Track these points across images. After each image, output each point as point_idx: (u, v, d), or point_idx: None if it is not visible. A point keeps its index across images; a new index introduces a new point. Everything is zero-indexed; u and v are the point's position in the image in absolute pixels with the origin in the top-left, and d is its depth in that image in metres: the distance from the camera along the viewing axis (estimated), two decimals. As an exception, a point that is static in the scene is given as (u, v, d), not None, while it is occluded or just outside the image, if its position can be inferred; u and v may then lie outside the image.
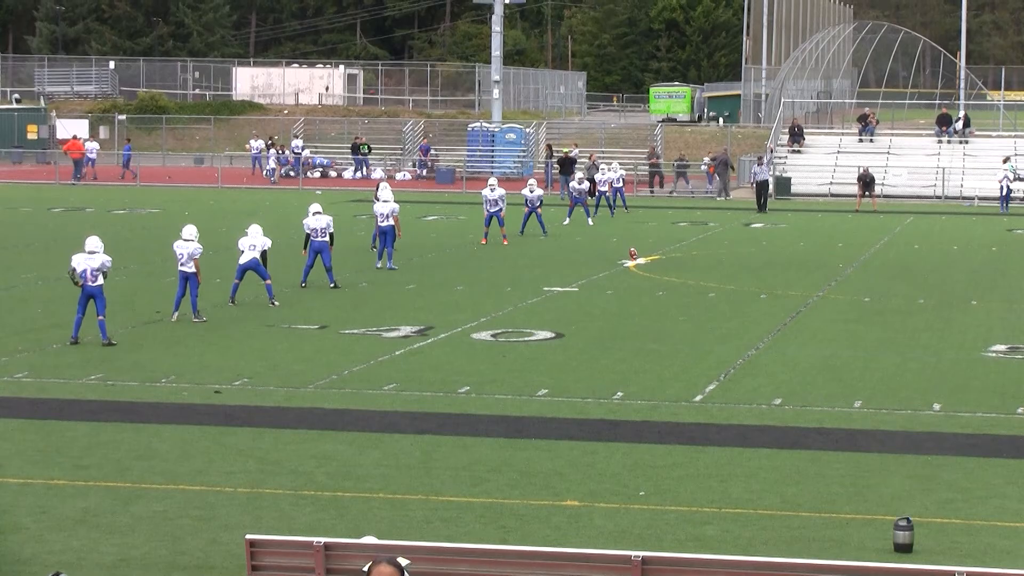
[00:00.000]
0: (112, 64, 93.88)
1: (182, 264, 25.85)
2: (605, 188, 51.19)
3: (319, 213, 30.44)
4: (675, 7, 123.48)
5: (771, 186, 56.45)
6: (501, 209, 39.85)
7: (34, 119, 79.63)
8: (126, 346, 23.63)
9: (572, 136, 73.94)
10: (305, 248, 30.77)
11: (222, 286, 29.13)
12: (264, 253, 27.91)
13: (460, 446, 17.22)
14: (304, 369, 21.84)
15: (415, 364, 22.38)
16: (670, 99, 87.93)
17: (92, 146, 68.03)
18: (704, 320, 27.14)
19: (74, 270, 23.61)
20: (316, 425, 18.26)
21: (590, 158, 58.96)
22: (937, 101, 73.57)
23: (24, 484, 15.42)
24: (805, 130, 66.92)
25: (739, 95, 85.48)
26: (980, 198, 58.55)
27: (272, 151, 68.87)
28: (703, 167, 63.26)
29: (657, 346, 24.18)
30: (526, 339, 24.78)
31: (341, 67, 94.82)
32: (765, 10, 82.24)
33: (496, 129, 70.22)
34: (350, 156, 70.34)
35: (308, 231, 30.45)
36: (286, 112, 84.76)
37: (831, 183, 61.96)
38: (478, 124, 72.25)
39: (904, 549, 13.33)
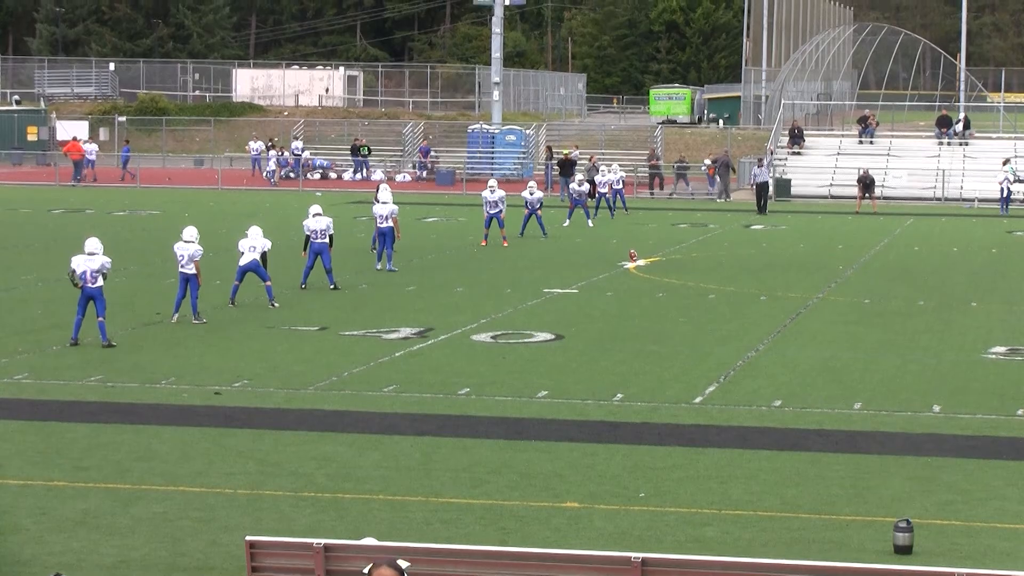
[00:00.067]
0: (112, 66, 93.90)
1: (183, 266, 25.86)
2: (605, 190, 51.20)
3: (319, 215, 30.44)
4: (675, 9, 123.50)
5: (771, 188, 56.47)
6: (501, 211, 39.85)
7: (34, 120, 79.65)
8: (126, 347, 23.63)
9: (572, 138, 73.97)
10: (305, 250, 30.77)
11: (222, 288, 29.14)
12: (264, 254, 27.92)
13: (460, 448, 17.22)
14: (304, 371, 21.84)
15: (415, 366, 22.38)
16: (670, 101, 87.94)
17: (91, 147, 68.02)
18: (704, 322, 27.15)
19: (74, 271, 23.61)
20: (316, 427, 18.26)
21: (590, 160, 58.99)
22: (937, 103, 73.62)
23: (24, 485, 15.42)
24: (805, 132, 66.95)
25: (739, 97, 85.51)
26: (980, 200, 58.56)
27: (272, 153, 68.88)
28: (703, 168, 63.27)
29: (657, 348, 24.18)
30: (526, 341, 24.78)
31: (341, 69, 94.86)
32: (765, 12, 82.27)
33: (496, 131, 70.23)
34: (350, 158, 70.36)
35: (308, 232, 30.45)
36: (286, 114, 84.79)
37: (831, 185, 61.97)
38: (478, 126, 72.26)
39: (904, 551, 13.33)
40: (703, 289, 31.65)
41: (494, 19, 71.10)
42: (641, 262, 36.38)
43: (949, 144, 64.42)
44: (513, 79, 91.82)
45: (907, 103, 76.93)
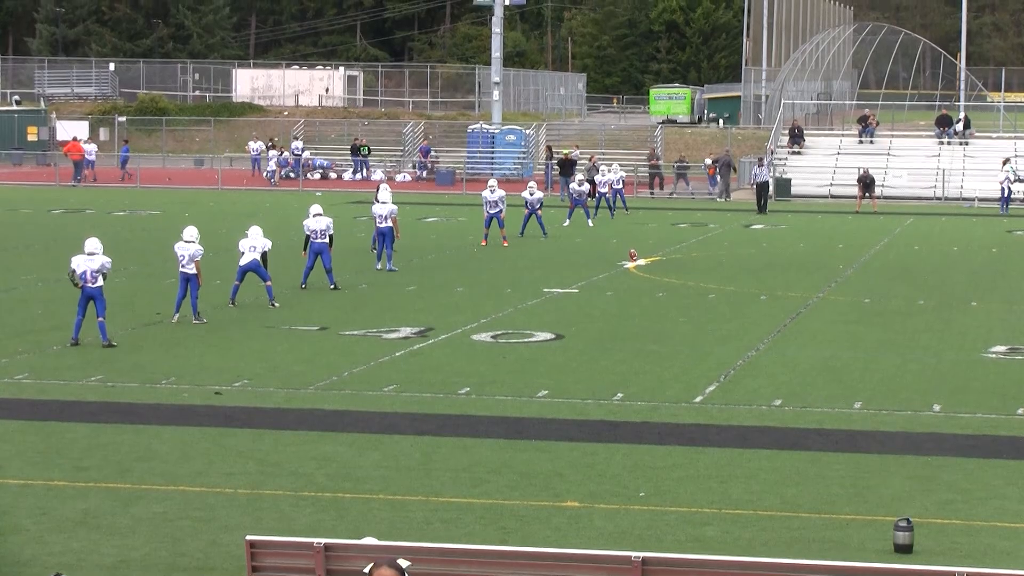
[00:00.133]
0: (112, 66, 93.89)
1: (183, 266, 25.86)
2: (605, 190, 51.20)
3: (319, 215, 30.44)
4: (675, 9, 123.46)
5: (771, 187, 56.46)
6: (501, 210, 39.85)
7: (34, 121, 79.64)
8: (126, 347, 23.63)
9: (572, 138, 73.97)
10: (305, 249, 30.77)
11: (222, 287, 29.14)
12: (264, 254, 27.93)
13: (460, 447, 17.22)
14: (304, 370, 21.84)
15: (415, 365, 22.39)
16: (670, 100, 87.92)
17: (91, 148, 68.02)
18: (704, 321, 27.15)
19: (74, 271, 23.61)
20: (316, 426, 18.27)
21: (590, 160, 58.98)
22: (937, 103, 73.59)
23: (24, 485, 15.42)
24: (805, 131, 66.95)
25: (739, 96, 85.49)
26: (980, 199, 58.56)
27: (272, 153, 68.88)
28: (703, 167, 63.27)
29: (657, 347, 24.18)
30: (526, 340, 24.78)
31: (341, 69, 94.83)
32: (765, 12, 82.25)
33: (496, 131, 70.23)
34: (350, 158, 70.36)
35: (308, 232, 30.46)
36: (286, 114, 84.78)
37: (831, 184, 61.97)
38: (478, 126, 72.26)
39: (904, 550, 13.33)
40: (703, 289, 31.66)
41: (494, 19, 71.10)
42: (641, 262, 36.38)
43: (949, 143, 64.42)
44: (513, 79, 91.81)
45: (907, 103, 76.89)
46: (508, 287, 31.56)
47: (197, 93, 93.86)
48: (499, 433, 17.95)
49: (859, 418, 19.04)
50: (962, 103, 75.63)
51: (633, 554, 10.14)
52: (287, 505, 14.76)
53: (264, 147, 71.37)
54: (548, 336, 25.18)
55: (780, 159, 63.82)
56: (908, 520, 13.53)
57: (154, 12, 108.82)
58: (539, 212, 42.28)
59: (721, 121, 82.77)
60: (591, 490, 15.39)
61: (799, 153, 65.07)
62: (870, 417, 19.09)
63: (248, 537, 10.74)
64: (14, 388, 20.49)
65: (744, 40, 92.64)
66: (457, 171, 67.02)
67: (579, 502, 14.94)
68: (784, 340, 25.17)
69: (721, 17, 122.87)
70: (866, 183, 55.47)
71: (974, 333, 26.11)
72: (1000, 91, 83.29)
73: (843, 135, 67.69)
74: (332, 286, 30.56)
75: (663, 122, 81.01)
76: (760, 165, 56.07)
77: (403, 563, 8.52)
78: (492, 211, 39.91)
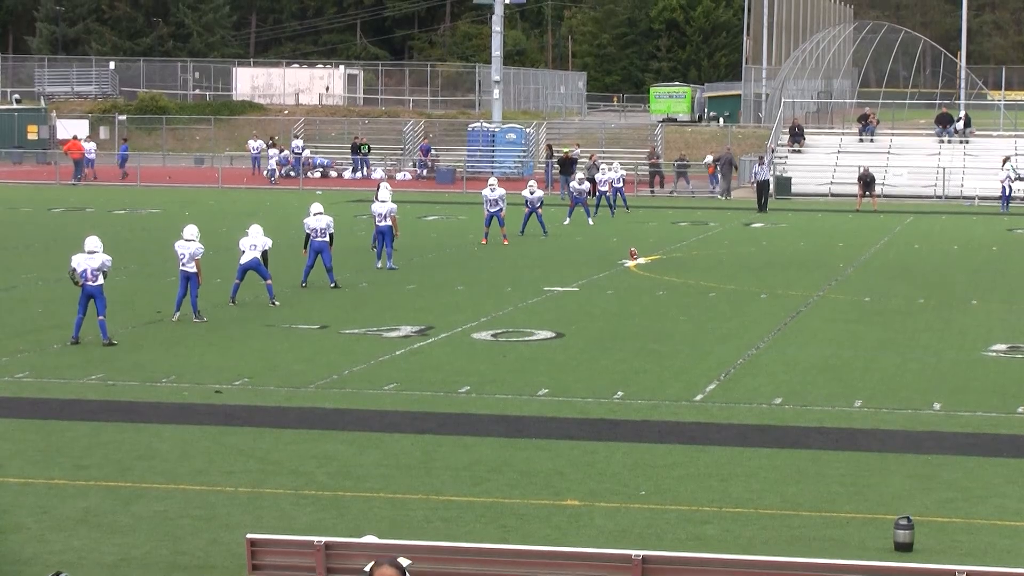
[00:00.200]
0: (112, 64, 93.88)
1: (183, 264, 25.86)
2: (605, 188, 51.20)
3: (320, 213, 30.45)
4: (675, 7, 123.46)
5: (771, 186, 56.46)
6: (501, 209, 39.85)
7: (34, 119, 79.65)
8: (127, 346, 23.64)
9: (572, 136, 73.96)
10: (305, 248, 30.78)
11: (223, 286, 29.14)
12: (265, 253, 27.93)
13: (460, 446, 17.22)
14: (304, 369, 21.85)
15: (415, 364, 22.39)
16: (670, 99, 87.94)
17: (90, 146, 68.03)
18: (704, 320, 27.15)
19: (74, 270, 23.61)
20: (317, 425, 18.27)
21: (591, 158, 58.99)
22: (937, 101, 73.56)
23: (25, 484, 15.43)
24: (805, 130, 66.94)
25: (739, 95, 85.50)
26: (980, 198, 58.56)
27: (272, 151, 68.88)
28: (704, 165, 63.26)
29: (657, 346, 24.18)
30: (526, 339, 24.78)
31: (341, 67, 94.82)
32: (765, 10, 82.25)
33: (496, 129, 70.23)
34: (350, 156, 70.36)
35: (308, 231, 30.46)
36: (286, 112, 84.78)
37: (831, 183, 61.97)
38: (478, 124, 72.27)
39: (904, 548, 13.33)
40: (703, 287, 31.66)
41: (494, 18, 71.10)
42: (642, 260, 36.38)
43: (949, 142, 64.41)
44: (513, 77, 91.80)
45: (907, 101, 76.86)
46: (508, 286, 31.57)
47: (197, 92, 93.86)
48: (499, 431, 17.95)
49: (859, 416, 19.04)
50: (962, 101, 75.64)
51: (633, 552, 10.15)
52: (288, 503, 14.76)
53: (264, 146, 71.36)
54: (548, 335, 25.18)
55: (780, 158, 63.82)
56: (908, 518, 13.53)
57: (154, 11, 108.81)
58: (539, 211, 42.27)
59: (721, 120, 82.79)
60: (591, 488, 15.40)
61: (799, 152, 65.07)
62: (870, 415, 19.09)
63: (249, 535, 10.75)
64: (15, 387, 20.49)
65: (744, 38, 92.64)
66: (457, 170, 67.02)
67: (579, 500, 14.94)
68: (784, 339, 25.17)
69: (721, 15, 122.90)
70: (866, 182, 55.48)
71: (974, 332, 26.11)
72: (1000, 89, 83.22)
73: (843, 134, 67.68)
74: (332, 285, 30.56)
75: (663, 120, 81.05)
76: (760, 164, 56.07)
77: (404, 561, 8.52)
78: (492, 210, 39.91)
